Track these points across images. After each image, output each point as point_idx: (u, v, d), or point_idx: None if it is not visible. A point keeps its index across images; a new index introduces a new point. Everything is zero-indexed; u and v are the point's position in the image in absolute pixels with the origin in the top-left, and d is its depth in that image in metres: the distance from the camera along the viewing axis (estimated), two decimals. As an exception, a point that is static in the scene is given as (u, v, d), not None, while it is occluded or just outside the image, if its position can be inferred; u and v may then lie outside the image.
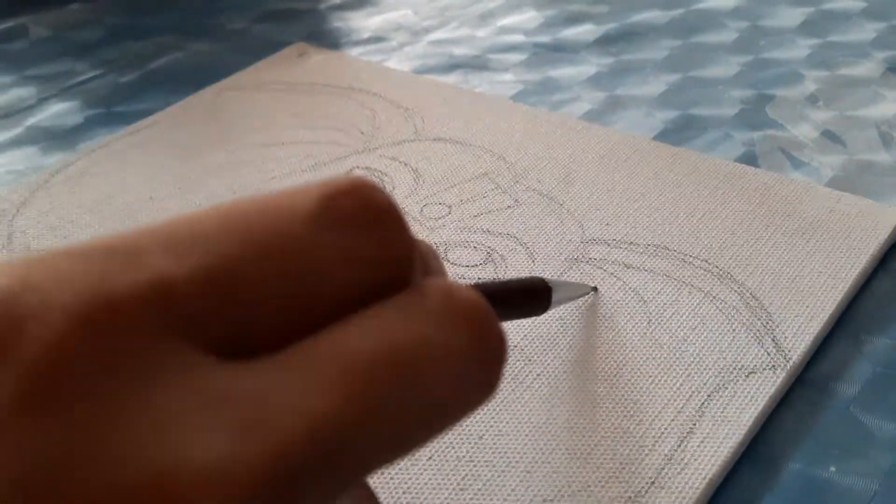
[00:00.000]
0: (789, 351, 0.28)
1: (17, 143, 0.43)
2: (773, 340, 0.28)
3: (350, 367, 0.12)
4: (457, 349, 0.13)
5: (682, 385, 0.27)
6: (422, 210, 0.35)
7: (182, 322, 0.11)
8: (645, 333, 0.29)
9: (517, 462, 0.25)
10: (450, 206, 0.35)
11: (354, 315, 0.13)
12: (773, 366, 0.27)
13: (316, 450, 0.11)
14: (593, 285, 0.30)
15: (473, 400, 0.14)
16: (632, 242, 0.33)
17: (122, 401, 0.11)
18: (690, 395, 0.27)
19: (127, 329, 0.11)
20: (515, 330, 0.29)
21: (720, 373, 0.27)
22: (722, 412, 0.26)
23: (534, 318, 0.29)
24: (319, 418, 0.11)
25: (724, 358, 0.28)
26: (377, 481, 0.24)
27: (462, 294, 0.14)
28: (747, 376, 0.27)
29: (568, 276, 0.31)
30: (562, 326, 0.29)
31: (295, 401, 0.11)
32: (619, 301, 0.30)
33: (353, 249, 0.13)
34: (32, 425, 0.10)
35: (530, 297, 0.25)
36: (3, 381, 0.10)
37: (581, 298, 0.30)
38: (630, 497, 0.24)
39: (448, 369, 0.13)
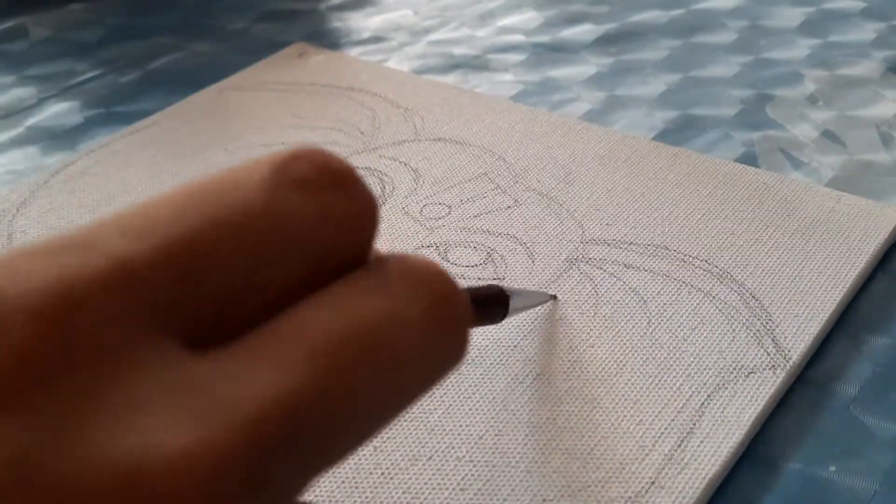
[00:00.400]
0: (789, 351, 0.28)
1: (17, 143, 0.43)
2: (773, 340, 0.28)
3: (315, 346, 0.12)
4: (419, 316, 0.13)
5: (681, 385, 0.27)
6: (422, 210, 0.35)
7: (145, 307, 0.11)
8: (645, 333, 0.29)
9: (517, 462, 0.25)
10: (450, 206, 0.35)
11: (317, 293, 0.13)
12: (773, 366, 0.27)
13: (286, 430, 0.11)
14: (552, 294, 0.30)
15: (442, 366, 0.14)
16: (632, 242, 0.33)
17: (88, 394, 0.11)
18: (690, 395, 0.27)
19: (90, 321, 0.11)
20: (515, 330, 0.29)
21: (720, 373, 0.27)
22: (722, 412, 0.26)
23: (533, 316, 0.29)
24: (287, 398, 0.11)
25: (724, 358, 0.28)
26: (377, 481, 0.24)
27: (420, 262, 0.14)
28: (747, 376, 0.27)
29: (568, 276, 0.31)
30: (562, 326, 0.29)
31: (262, 383, 0.11)
32: (619, 301, 0.30)
33: (312, 209, 0.13)
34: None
35: (488, 304, 0.26)
36: None
37: (541, 306, 0.30)
38: (630, 497, 0.24)
39: (413, 338, 0.13)
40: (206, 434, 0.11)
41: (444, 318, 0.13)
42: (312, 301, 0.13)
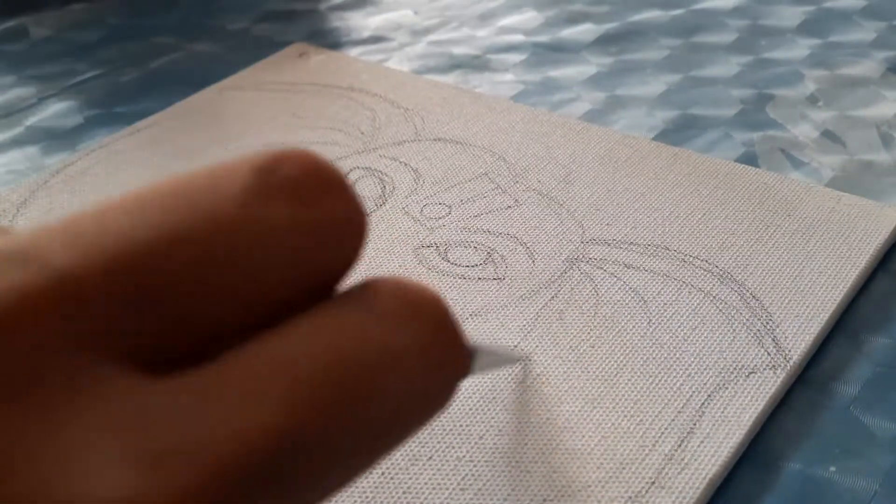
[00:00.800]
0: (789, 351, 0.28)
1: (17, 142, 0.43)
2: (774, 340, 0.28)
3: (292, 377, 0.10)
4: (411, 350, 0.12)
5: (682, 385, 0.27)
6: (422, 210, 0.35)
7: (94, 328, 0.10)
8: (645, 333, 0.29)
9: (517, 462, 0.25)
10: (450, 206, 0.35)
11: (300, 315, 0.11)
12: (774, 366, 0.27)
13: (254, 473, 0.10)
14: (524, 356, 0.28)
15: (436, 401, 0.12)
16: (632, 242, 0.33)
17: (24, 428, 0.09)
18: (690, 395, 0.27)
19: (29, 344, 0.10)
20: (515, 330, 0.29)
21: (720, 373, 0.27)
22: (722, 412, 0.26)
23: (533, 316, 0.29)
24: (258, 438, 0.10)
25: (725, 358, 0.28)
26: (377, 481, 0.24)
27: (414, 289, 0.12)
28: (747, 376, 0.27)
29: (568, 276, 0.31)
30: (562, 326, 0.29)
31: (228, 419, 0.10)
32: (619, 301, 0.30)
33: (299, 219, 0.11)
34: None
35: None
36: None
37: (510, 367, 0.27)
38: (630, 497, 0.24)
39: (402, 372, 0.12)
40: (156, 481, 0.09)
41: (438, 350, 0.12)
42: (294, 324, 0.11)
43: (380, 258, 0.32)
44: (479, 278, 0.31)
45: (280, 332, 0.11)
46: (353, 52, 0.49)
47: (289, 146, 0.12)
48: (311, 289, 0.12)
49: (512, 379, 0.27)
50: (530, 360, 0.28)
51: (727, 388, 0.27)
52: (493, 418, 0.26)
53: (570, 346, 0.28)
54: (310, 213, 0.11)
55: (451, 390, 0.13)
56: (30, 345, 0.10)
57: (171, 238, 0.10)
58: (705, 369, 0.27)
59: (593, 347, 0.28)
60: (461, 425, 0.26)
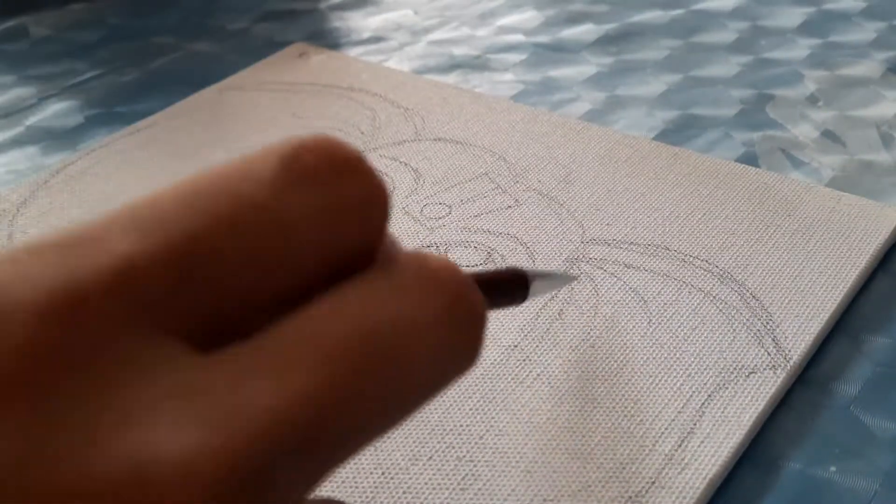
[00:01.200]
0: (789, 351, 0.28)
1: (17, 142, 0.43)
2: (774, 340, 0.28)
3: (324, 350, 0.12)
4: (434, 321, 0.13)
5: (682, 385, 0.27)
6: (422, 210, 0.35)
7: (150, 308, 0.11)
8: (645, 333, 0.29)
9: (517, 462, 0.25)
10: (450, 206, 0.35)
11: (328, 293, 0.12)
12: (774, 366, 0.27)
13: (291, 436, 0.11)
14: (573, 275, 0.30)
15: (456, 369, 0.13)
16: (632, 242, 0.33)
17: (91, 396, 0.10)
18: (691, 395, 0.27)
19: (94, 321, 0.11)
20: (515, 330, 0.29)
21: (720, 373, 0.27)
22: (722, 412, 0.26)
23: (533, 316, 0.29)
24: (294, 404, 0.11)
25: (725, 358, 0.28)
26: (377, 481, 0.24)
27: (435, 263, 0.13)
28: (747, 376, 0.27)
29: (568, 276, 0.31)
30: (562, 326, 0.29)
31: (268, 387, 0.11)
32: (619, 301, 0.30)
33: (323, 203, 0.12)
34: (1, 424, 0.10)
35: (508, 289, 0.25)
36: None
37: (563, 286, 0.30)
38: (630, 497, 0.24)
39: (426, 342, 0.13)
40: (209, 441, 0.10)
41: (459, 320, 0.13)
42: (323, 301, 0.12)
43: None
44: (480, 278, 0.31)
45: (314, 308, 0.12)
46: (353, 52, 0.49)
47: (310, 134, 0.13)
48: (343, 263, 0.13)
49: (512, 379, 0.27)
50: (577, 280, 0.30)
51: (727, 388, 0.27)
52: (493, 418, 0.26)
53: (570, 346, 0.28)
54: (334, 194, 0.12)
55: (474, 353, 0.14)
56: (96, 320, 0.11)
57: (214, 224, 0.12)
58: (705, 369, 0.27)
59: (593, 347, 0.28)
60: (461, 425, 0.26)
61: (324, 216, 0.12)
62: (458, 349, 0.13)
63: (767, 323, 0.29)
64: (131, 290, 0.11)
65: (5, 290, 0.11)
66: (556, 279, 0.28)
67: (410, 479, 0.25)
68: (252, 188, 0.12)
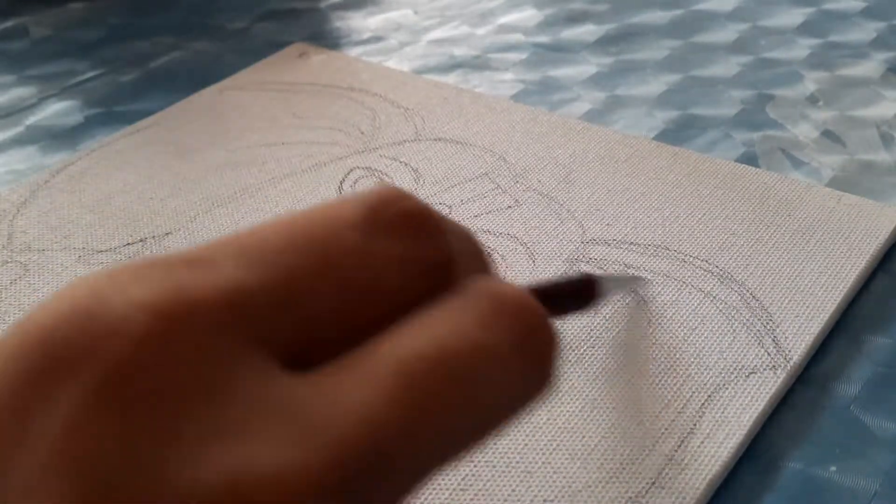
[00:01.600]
0: (789, 351, 0.28)
1: (17, 142, 0.43)
2: (774, 340, 0.28)
3: (406, 369, 0.12)
4: (507, 349, 0.13)
5: (682, 385, 0.27)
6: (422, 210, 0.35)
7: (254, 330, 0.12)
8: (645, 333, 0.29)
9: (517, 462, 0.25)
10: (450, 206, 0.35)
11: (406, 321, 0.13)
12: (774, 366, 0.27)
13: (374, 457, 0.12)
14: (641, 276, 0.30)
15: (528, 396, 0.14)
16: (632, 242, 0.33)
17: (193, 403, 0.11)
18: (691, 396, 0.27)
19: (206, 330, 0.11)
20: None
21: (720, 373, 0.27)
22: (722, 412, 0.26)
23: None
24: (378, 426, 0.12)
25: (725, 358, 0.28)
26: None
27: (509, 293, 0.14)
28: (747, 376, 0.27)
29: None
30: (562, 326, 0.29)
31: (354, 409, 0.12)
32: (619, 301, 0.30)
33: (400, 254, 0.14)
34: (110, 420, 0.11)
35: (579, 297, 0.25)
36: (87, 377, 0.11)
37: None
38: (630, 497, 0.24)
39: (500, 370, 0.13)
40: (302, 456, 0.11)
41: (533, 351, 0.14)
42: (403, 328, 0.13)
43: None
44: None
45: (394, 332, 0.13)
46: (353, 52, 0.49)
47: (390, 188, 0.14)
48: (415, 299, 0.14)
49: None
50: (648, 282, 0.31)
51: (727, 389, 0.27)
52: (493, 418, 0.26)
53: (570, 346, 0.28)
54: (409, 247, 0.14)
55: (546, 377, 0.14)
56: (206, 326, 0.11)
57: (310, 262, 0.13)
58: (705, 369, 0.27)
59: (593, 347, 0.28)
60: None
61: (401, 264, 0.14)
62: (533, 377, 0.14)
63: (767, 323, 0.29)
64: (237, 308, 0.12)
65: (125, 290, 0.11)
66: (626, 281, 0.29)
67: (410, 479, 0.25)
68: (342, 232, 0.13)
